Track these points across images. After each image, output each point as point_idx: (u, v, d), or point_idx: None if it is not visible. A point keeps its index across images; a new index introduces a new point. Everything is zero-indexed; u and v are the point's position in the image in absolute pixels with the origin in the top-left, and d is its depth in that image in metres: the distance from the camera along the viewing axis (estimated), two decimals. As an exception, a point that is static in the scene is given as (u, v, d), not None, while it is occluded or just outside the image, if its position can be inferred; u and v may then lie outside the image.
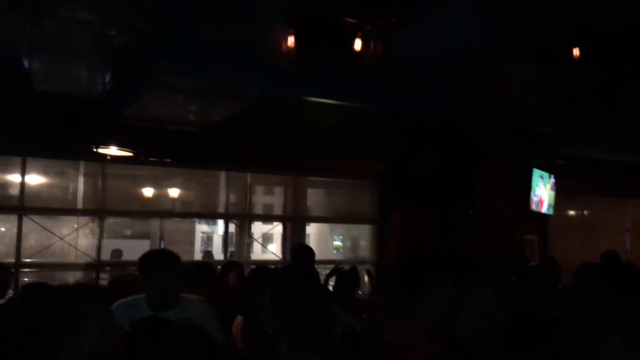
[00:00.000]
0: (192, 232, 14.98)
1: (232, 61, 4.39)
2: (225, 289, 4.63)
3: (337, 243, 11.84)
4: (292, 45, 3.99)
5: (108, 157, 6.29)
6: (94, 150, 6.13)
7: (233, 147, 6.92)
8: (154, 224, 9.42)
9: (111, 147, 6.02)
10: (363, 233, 8.80)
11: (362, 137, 7.16)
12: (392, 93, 5.36)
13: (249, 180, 7.82)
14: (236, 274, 4.94)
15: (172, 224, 10.33)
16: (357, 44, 4.62)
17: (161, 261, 3.23)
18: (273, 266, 7.26)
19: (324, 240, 11.74)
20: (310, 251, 4.94)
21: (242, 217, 7.96)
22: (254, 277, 3.49)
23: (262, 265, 6.22)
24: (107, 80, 5.64)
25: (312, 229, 11.59)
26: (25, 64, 5.14)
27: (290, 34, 4.01)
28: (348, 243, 10.70)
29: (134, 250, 7.00)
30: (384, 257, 7.97)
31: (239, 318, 3.44)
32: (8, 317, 2.21)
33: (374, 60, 4.72)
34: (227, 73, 4.43)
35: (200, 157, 7.00)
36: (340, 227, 10.90)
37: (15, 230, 6.30)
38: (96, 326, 2.31)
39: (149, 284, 3.17)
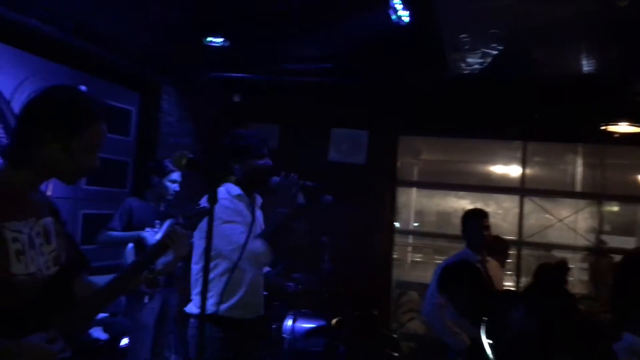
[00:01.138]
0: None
1: None
2: None
3: None
4: None
5: (614, 136, 5.90)
6: (598, 130, 5.89)
7: None
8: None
9: (618, 124, 5.67)
10: None
11: None
12: None
13: None
14: None
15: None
16: None
17: None
18: None
19: None
20: None
21: None
22: None
23: None
24: (610, 57, 5.34)
25: None
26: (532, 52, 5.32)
27: None
28: None
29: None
30: None
31: None
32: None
33: None
34: None
35: None
36: None
37: (517, 210, 6.68)
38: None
39: None
